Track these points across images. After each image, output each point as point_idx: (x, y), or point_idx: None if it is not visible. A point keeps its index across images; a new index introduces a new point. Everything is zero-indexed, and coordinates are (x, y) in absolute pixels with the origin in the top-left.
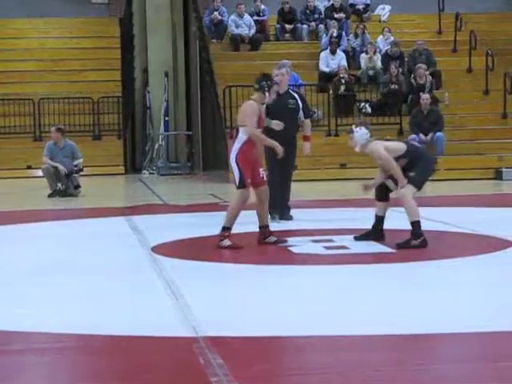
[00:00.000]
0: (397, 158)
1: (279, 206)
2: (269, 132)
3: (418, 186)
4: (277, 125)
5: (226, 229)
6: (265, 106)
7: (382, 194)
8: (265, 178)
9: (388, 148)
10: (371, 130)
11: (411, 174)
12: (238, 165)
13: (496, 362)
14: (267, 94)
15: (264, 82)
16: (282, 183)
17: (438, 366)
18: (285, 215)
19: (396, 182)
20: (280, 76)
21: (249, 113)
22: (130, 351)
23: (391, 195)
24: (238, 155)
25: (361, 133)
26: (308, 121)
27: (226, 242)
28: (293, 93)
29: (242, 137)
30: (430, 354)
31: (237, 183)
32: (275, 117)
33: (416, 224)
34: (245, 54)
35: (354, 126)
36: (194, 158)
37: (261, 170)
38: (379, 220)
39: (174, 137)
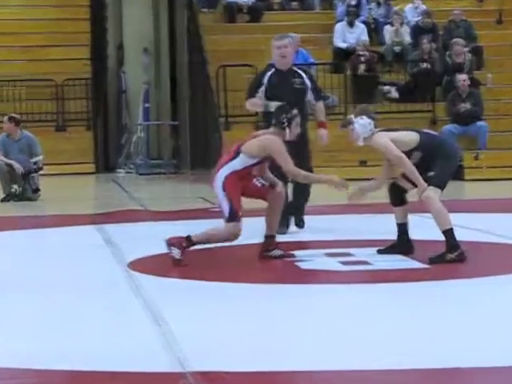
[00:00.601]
0: (408, 153)
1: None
2: (270, 117)
3: (442, 185)
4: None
5: (190, 241)
6: (264, 87)
7: (398, 197)
8: (267, 184)
9: (396, 140)
10: (376, 118)
11: (431, 173)
12: (225, 193)
13: None
14: (287, 130)
15: (283, 117)
16: (295, 186)
17: None
18: (297, 222)
19: (412, 182)
20: (283, 49)
21: (278, 151)
22: None
23: (413, 198)
24: (226, 182)
25: (362, 123)
26: (320, 103)
27: (175, 252)
28: (299, 71)
29: (237, 164)
30: None
31: (226, 215)
32: (276, 100)
33: (449, 233)
34: (242, 26)
35: (353, 116)
36: (181, 154)
37: (255, 181)
38: (402, 229)
39: (156, 128)
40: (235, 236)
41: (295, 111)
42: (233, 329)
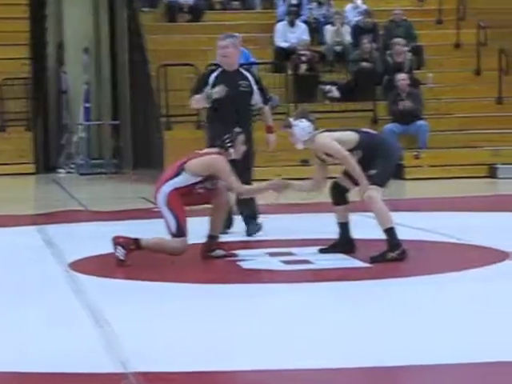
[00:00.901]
0: (349, 152)
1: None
2: (213, 118)
3: (383, 184)
4: (221, 90)
5: (137, 244)
6: (209, 87)
7: (339, 196)
8: (209, 187)
9: (338, 140)
10: (315, 120)
11: (372, 171)
12: (170, 210)
13: None
14: (232, 150)
15: (226, 138)
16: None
17: None
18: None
19: (353, 181)
20: (223, 49)
21: (222, 169)
22: None
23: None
24: (169, 199)
25: (302, 126)
26: (268, 107)
27: (121, 253)
28: (244, 72)
29: (179, 182)
30: None
31: (173, 231)
32: (221, 103)
33: (390, 232)
34: (183, 25)
35: (292, 119)
36: (122, 154)
37: (197, 188)
38: (344, 228)
39: (97, 128)
40: (182, 251)
41: (238, 130)
42: (175, 329)
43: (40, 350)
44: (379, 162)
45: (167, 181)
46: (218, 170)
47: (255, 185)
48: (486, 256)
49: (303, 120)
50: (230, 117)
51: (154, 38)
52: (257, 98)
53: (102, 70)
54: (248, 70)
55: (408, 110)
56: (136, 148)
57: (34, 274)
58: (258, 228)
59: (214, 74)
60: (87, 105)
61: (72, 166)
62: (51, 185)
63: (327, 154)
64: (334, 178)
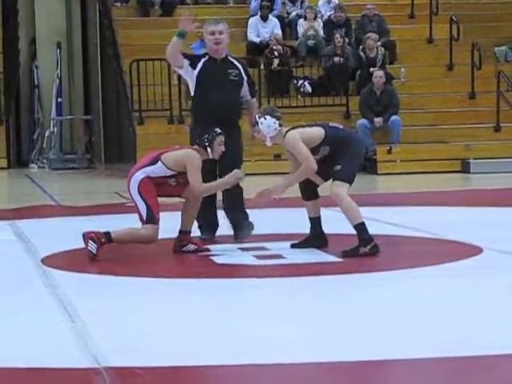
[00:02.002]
0: (317, 148)
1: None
2: (199, 111)
3: (350, 180)
4: (185, 23)
5: (108, 238)
6: (195, 75)
7: (309, 191)
8: (181, 182)
9: (303, 136)
10: (280, 117)
11: (337, 167)
12: (141, 197)
13: None
14: (209, 149)
15: (205, 136)
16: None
17: None
18: (239, 230)
19: (323, 176)
20: (217, 35)
21: (193, 167)
22: None
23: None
24: (141, 186)
25: (267, 123)
26: (254, 100)
27: (93, 248)
28: (235, 61)
29: (152, 171)
30: None
31: (144, 218)
32: (208, 92)
33: (360, 227)
34: (155, 20)
35: (257, 116)
36: (94, 149)
37: (168, 180)
38: (315, 223)
39: (69, 122)
40: (153, 238)
41: (218, 130)
42: (148, 324)
43: (11, 345)
44: (346, 157)
45: (141, 168)
46: (188, 166)
47: (214, 182)
48: (459, 250)
49: (267, 117)
50: (216, 111)
51: (127, 33)
52: (245, 91)
53: (75, 65)
54: (237, 59)
55: (382, 107)
56: (108, 143)
57: (6, 269)
58: (250, 229)
59: (202, 61)
60: (59, 99)
61: (44, 160)
62: (23, 180)
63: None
64: None
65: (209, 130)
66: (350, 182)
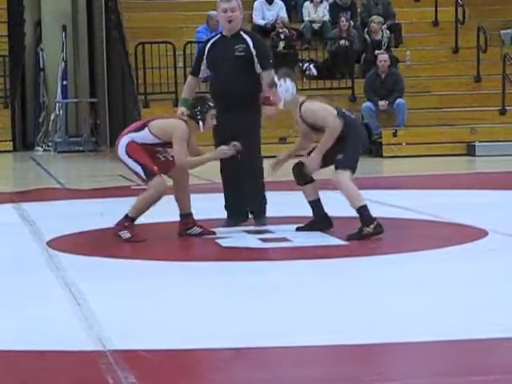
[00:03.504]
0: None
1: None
2: (210, 91)
3: (352, 167)
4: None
5: (129, 219)
6: (205, 59)
7: (302, 175)
8: (170, 159)
9: (321, 106)
10: (296, 83)
11: (339, 156)
12: (131, 158)
13: (466, 375)
14: (201, 123)
15: (197, 109)
16: (234, 176)
17: (397, 382)
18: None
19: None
20: (229, 12)
21: (179, 137)
22: (19, 370)
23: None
24: (128, 148)
25: (286, 87)
26: (266, 73)
27: (126, 234)
28: (245, 35)
29: (138, 137)
30: (387, 367)
31: (143, 176)
32: (215, 71)
33: (363, 209)
34: (161, 3)
35: (275, 78)
36: (100, 132)
37: (158, 155)
38: (315, 205)
39: (75, 105)
40: (162, 189)
41: (211, 104)
42: (154, 307)
43: (17, 329)
44: (348, 144)
45: (127, 134)
46: (174, 136)
47: (196, 157)
48: (464, 233)
49: (287, 80)
50: (224, 89)
51: (132, 16)
52: (256, 64)
53: (80, 48)
54: (249, 33)
55: (386, 90)
56: (114, 126)
57: (12, 252)
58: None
59: (212, 41)
60: (65, 82)
61: (49, 143)
62: (29, 163)
63: (308, 124)
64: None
65: (201, 102)
66: (353, 169)
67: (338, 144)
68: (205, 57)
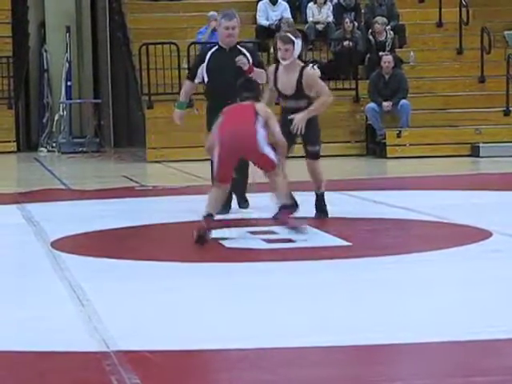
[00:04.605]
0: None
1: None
2: (212, 98)
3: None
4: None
5: (285, 207)
6: (205, 65)
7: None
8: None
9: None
10: None
11: (317, 147)
12: (268, 145)
13: (469, 376)
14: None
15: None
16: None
17: (398, 383)
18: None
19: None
20: (231, 30)
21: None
22: (22, 370)
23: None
24: (265, 138)
25: (298, 46)
26: (261, 71)
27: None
28: (242, 49)
29: (261, 123)
30: (388, 368)
31: (274, 163)
32: (219, 80)
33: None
34: (164, 4)
35: (290, 35)
36: (103, 132)
37: None
38: None
39: (79, 106)
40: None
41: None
42: (158, 308)
43: (21, 329)
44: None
45: (254, 123)
46: (271, 117)
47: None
48: (468, 234)
49: (299, 41)
50: (227, 97)
51: (136, 17)
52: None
53: (84, 49)
54: (244, 46)
55: (391, 91)
56: (117, 126)
57: (16, 253)
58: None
59: (211, 51)
60: (69, 83)
61: (53, 144)
62: (33, 163)
63: (300, 87)
64: None
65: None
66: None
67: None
68: (205, 65)
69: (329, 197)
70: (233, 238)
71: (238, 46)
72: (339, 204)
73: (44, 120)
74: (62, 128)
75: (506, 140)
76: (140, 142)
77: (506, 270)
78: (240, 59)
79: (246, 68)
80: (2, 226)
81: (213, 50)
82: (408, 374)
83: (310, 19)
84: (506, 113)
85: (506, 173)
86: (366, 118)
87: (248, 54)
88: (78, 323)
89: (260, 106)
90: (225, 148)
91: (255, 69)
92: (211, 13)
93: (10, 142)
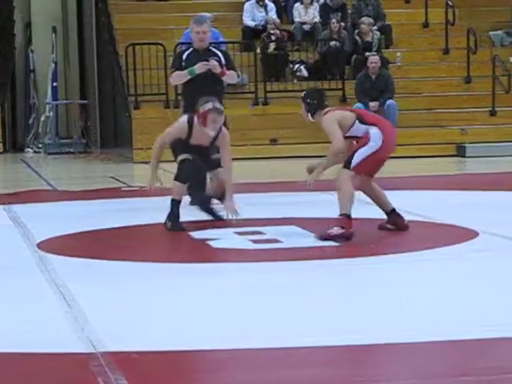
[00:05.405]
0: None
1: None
2: (187, 98)
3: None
4: (202, 67)
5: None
6: (188, 70)
7: None
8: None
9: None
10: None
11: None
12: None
13: (460, 376)
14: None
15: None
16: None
17: (394, 383)
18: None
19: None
20: (201, 34)
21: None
22: (8, 372)
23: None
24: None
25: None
26: (233, 72)
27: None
28: (215, 50)
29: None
30: (384, 368)
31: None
32: (193, 80)
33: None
34: (151, 4)
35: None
36: (90, 133)
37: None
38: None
39: (65, 107)
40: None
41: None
42: (145, 308)
43: (7, 330)
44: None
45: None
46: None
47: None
48: (455, 234)
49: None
50: (201, 92)
51: (122, 17)
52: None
53: (70, 49)
54: (218, 48)
55: (377, 91)
56: (104, 127)
57: (2, 254)
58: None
59: (186, 53)
60: (55, 84)
61: (40, 145)
62: (19, 164)
63: None
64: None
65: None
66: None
67: None
68: (183, 64)
69: (318, 198)
70: (219, 238)
71: (211, 48)
72: (327, 205)
73: (30, 121)
74: (49, 129)
75: (491, 140)
76: (127, 143)
77: (493, 268)
78: (212, 63)
79: (217, 71)
80: None
81: (188, 51)
82: (398, 374)
83: (296, 20)
84: (492, 113)
85: (491, 173)
86: None
87: (220, 55)
88: (65, 324)
89: None
90: (389, 152)
91: (227, 72)
92: (203, 14)
93: None
